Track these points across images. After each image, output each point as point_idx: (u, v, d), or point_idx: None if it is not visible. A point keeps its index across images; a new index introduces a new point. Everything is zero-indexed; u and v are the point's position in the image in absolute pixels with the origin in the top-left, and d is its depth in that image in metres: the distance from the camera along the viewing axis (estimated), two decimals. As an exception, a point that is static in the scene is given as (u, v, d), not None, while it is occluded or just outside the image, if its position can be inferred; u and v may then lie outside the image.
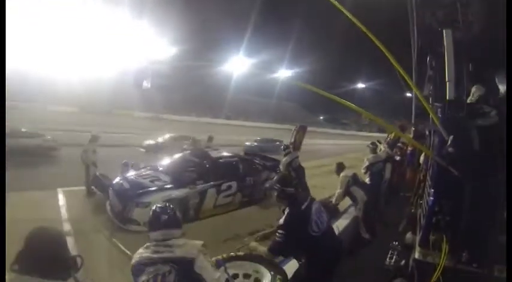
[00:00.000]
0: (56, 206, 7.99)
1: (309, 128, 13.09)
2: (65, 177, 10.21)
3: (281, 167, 9.69)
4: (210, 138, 12.79)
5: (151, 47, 50.23)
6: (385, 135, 10.80)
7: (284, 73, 59.17)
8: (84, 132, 21.08)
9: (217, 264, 2.70)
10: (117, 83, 45.79)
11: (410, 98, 7.31)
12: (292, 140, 11.54)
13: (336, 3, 3.66)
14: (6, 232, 2.11)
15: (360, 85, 62.20)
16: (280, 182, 3.40)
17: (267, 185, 3.76)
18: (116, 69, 47.23)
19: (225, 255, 3.10)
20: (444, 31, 3.84)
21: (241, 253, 3.31)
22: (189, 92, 59.04)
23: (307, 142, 13.16)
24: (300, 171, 9.69)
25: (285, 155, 9.75)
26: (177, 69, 54.11)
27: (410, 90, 7.23)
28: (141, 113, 45.11)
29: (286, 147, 10.35)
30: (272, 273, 2.99)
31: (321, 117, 72.58)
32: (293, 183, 3.46)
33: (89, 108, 39.99)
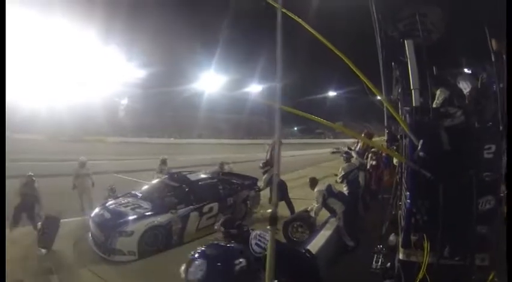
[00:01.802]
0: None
1: (284, 140, 13.20)
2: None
3: (262, 184, 9.73)
4: (163, 161, 12.11)
5: (120, 71, 49.91)
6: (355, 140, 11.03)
7: (255, 88, 59.87)
8: (55, 161, 20.66)
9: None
10: (86, 109, 45.08)
11: (380, 102, 7.53)
12: (268, 156, 11.40)
13: (302, 22, 3.85)
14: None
15: (331, 93, 63.54)
16: (223, 224, 3.56)
17: (215, 227, 3.84)
18: (85, 94, 46.57)
19: None
20: (406, 42, 4.07)
21: None
22: (159, 114, 58.59)
23: (284, 154, 13.24)
24: (282, 186, 9.72)
25: (264, 173, 9.79)
26: (149, 93, 53.67)
27: (381, 94, 7.47)
28: (113, 138, 44.12)
29: (264, 164, 10.32)
30: None
31: (295, 128, 73.20)
32: (235, 224, 3.62)
33: (58, 135, 39.04)
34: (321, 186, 6.97)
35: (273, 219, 2.20)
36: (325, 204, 6.80)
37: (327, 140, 58.20)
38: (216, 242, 3.42)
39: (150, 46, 47.70)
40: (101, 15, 40.47)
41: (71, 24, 39.23)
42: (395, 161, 7.44)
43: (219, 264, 2.24)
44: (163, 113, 59.35)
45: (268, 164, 10.39)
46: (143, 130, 50.63)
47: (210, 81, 55.90)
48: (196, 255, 2.49)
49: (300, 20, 3.97)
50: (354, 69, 3.73)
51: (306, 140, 63.08)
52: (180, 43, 53.17)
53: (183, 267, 2.56)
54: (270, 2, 3.19)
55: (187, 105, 59.05)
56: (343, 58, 3.80)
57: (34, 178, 8.56)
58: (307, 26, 3.91)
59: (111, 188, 9.04)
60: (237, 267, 2.39)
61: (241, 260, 2.50)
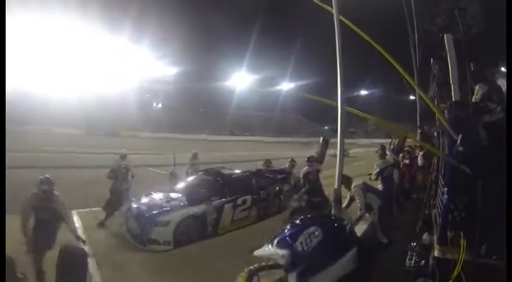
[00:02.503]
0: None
1: (317, 139, 13.13)
2: (77, 199, 10.14)
3: (301, 175, 9.75)
4: (195, 155, 12.41)
5: (154, 69, 51.40)
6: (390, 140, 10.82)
7: (286, 86, 59.84)
8: (90, 153, 21.56)
9: (250, 274, 2.74)
10: (121, 105, 46.73)
11: (413, 101, 7.42)
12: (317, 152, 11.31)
13: (340, 16, 3.90)
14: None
15: (363, 92, 62.43)
16: (307, 192, 3.58)
17: (295, 197, 3.87)
18: (120, 91, 48.30)
19: (256, 266, 3.19)
20: (445, 36, 4.02)
21: (271, 262, 3.42)
22: (192, 110, 59.68)
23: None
24: (316, 185, 9.71)
25: (307, 165, 9.81)
26: (181, 90, 54.89)
27: (414, 93, 7.36)
28: (147, 134, 45.41)
29: (311, 157, 10.32)
30: None
31: (326, 127, 72.45)
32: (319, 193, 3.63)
33: (94, 130, 40.66)
34: (356, 182, 6.93)
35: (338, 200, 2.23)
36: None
37: (358, 140, 57.02)
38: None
39: (182, 44, 48.77)
40: (134, 14, 42.08)
41: (106, 23, 40.90)
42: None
43: (331, 230, 2.26)
44: (195, 109, 60.47)
45: (314, 160, 10.38)
46: (176, 126, 51.60)
47: (243, 78, 56.41)
48: (304, 224, 2.43)
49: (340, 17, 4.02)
50: (396, 65, 3.74)
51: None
52: (212, 41, 54.09)
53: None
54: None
55: (219, 102, 59.91)
56: (386, 55, 3.82)
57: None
58: (350, 24, 3.96)
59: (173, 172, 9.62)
60: (348, 229, 2.41)
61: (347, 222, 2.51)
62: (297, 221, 2.56)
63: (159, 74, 55.27)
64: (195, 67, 52.80)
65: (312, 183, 9.39)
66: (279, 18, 54.44)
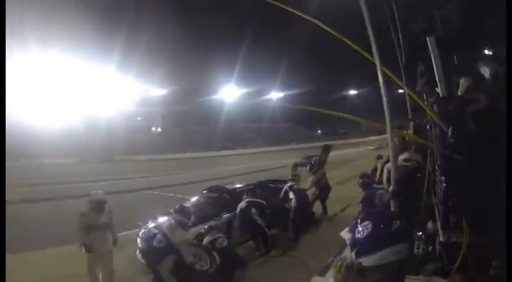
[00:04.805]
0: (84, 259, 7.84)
1: (310, 144, 13.51)
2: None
3: (308, 184, 10.09)
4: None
5: (142, 91, 51.60)
6: (386, 136, 11.10)
7: (275, 95, 60.41)
8: (86, 182, 21.36)
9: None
10: (112, 130, 46.81)
11: (403, 95, 7.64)
12: (318, 159, 11.68)
13: (316, 21, 4.22)
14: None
15: (352, 91, 63.21)
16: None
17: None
18: (110, 116, 48.42)
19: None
20: (428, 39, 4.34)
21: None
22: (184, 129, 59.85)
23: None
24: (326, 188, 10.07)
25: (313, 174, 10.17)
26: (172, 110, 55.12)
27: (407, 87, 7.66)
28: (142, 157, 45.55)
29: (313, 165, 10.69)
30: None
31: (319, 132, 73.03)
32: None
33: (88, 157, 40.71)
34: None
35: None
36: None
37: (352, 140, 57.51)
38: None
39: (170, 65, 49.22)
40: (122, 37, 42.50)
41: (93, 49, 41.21)
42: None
43: (380, 225, 2.52)
44: (187, 128, 60.62)
45: (316, 166, 10.74)
46: (169, 147, 51.70)
47: (232, 92, 56.83)
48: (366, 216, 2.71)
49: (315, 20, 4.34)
50: (378, 65, 4.05)
51: (330, 142, 62.55)
52: (198, 59, 54.64)
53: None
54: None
55: (209, 119, 60.17)
56: (367, 56, 4.13)
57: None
58: (327, 28, 4.28)
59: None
60: (395, 227, 2.66)
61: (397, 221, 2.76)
62: (363, 213, 2.92)
63: (148, 96, 55.55)
64: (184, 86, 53.23)
65: (322, 188, 9.79)
66: (267, 30, 55.36)
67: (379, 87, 4.37)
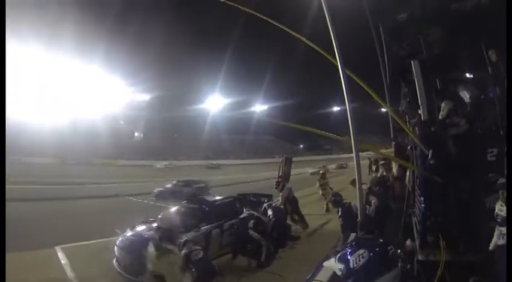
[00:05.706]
0: (59, 265, 7.48)
1: (294, 158, 13.60)
2: (60, 233, 9.48)
3: (280, 200, 10.16)
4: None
5: (126, 96, 50.98)
6: (369, 153, 11.22)
7: (259, 108, 60.64)
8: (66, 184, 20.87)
9: None
10: (94, 133, 45.97)
11: (386, 113, 7.73)
12: (281, 173, 11.79)
13: (307, 41, 4.35)
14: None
15: (336, 108, 63.87)
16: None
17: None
18: (93, 119, 47.60)
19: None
20: (412, 62, 4.52)
21: None
22: (167, 137, 59.33)
23: (294, 172, 13.46)
24: (294, 201, 10.19)
25: (281, 190, 10.26)
26: (155, 116, 54.62)
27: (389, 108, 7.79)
28: (122, 162, 44.97)
29: (278, 183, 10.78)
30: None
31: (301, 146, 73.44)
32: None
33: (67, 159, 39.72)
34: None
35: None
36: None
37: (335, 156, 57.94)
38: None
39: (155, 71, 48.94)
40: (106, 40, 42.08)
41: (78, 50, 40.68)
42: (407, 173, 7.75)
43: (376, 253, 2.55)
44: (170, 135, 60.09)
45: (282, 181, 10.83)
46: (151, 153, 51.09)
47: (216, 102, 56.79)
48: (358, 245, 2.75)
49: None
50: (363, 85, 4.20)
51: (315, 157, 62.76)
52: (184, 66, 54.62)
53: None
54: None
55: (193, 127, 59.84)
56: (352, 75, 4.28)
57: None
58: (318, 49, 4.41)
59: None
60: (390, 252, 2.70)
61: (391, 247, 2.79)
62: (354, 242, 2.97)
63: (132, 101, 54.90)
64: (168, 93, 52.91)
65: (290, 202, 9.92)
66: (251, 42, 55.82)
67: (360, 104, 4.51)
